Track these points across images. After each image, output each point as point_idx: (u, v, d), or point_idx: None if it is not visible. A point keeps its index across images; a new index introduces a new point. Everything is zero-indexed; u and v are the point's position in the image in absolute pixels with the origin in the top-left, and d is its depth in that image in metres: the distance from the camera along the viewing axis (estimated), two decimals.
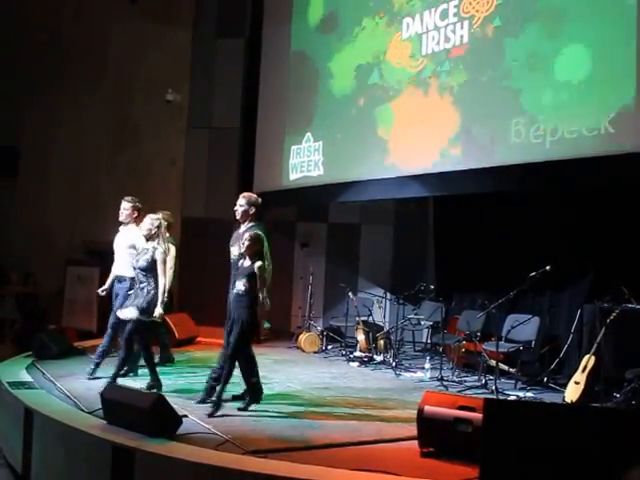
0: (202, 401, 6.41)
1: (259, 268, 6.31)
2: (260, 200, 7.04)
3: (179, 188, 13.22)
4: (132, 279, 7.33)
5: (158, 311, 6.95)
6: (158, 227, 7.14)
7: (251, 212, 6.88)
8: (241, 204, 6.88)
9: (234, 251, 6.80)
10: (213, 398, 6.29)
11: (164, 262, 7.02)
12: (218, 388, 6.27)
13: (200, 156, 13.27)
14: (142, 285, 6.98)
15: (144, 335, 7.09)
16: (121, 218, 7.87)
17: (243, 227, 6.86)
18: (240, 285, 6.36)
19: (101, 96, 13.33)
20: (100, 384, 6.58)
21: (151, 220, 7.14)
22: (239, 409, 6.32)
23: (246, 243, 6.35)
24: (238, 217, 6.91)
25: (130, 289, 7.35)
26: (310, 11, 11.51)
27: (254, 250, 6.36)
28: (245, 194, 7.06)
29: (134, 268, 7.16)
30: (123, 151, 13.31)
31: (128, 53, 13.30)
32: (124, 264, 7.65)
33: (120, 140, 13.36)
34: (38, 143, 13.46)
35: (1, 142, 13.37)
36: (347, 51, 10.58)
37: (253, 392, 6.53)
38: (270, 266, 6.64)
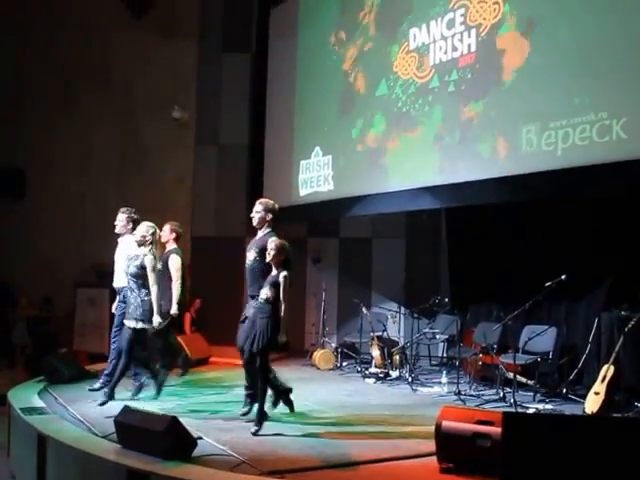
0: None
1: (285, 278, 6.21)
2: (277, 206, 6.97)
3: (188, 206, 13.18)
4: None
5: (157, 320, 6.91)
6: (152, 234, 7.05)
7: (268, 218, 6.83)
8: (257, 210, 6.84)
9: (249, 256, 6.76)
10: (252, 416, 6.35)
11: (154, 270, 6.92)
12: (257, 405, 6.29)
13: (209, 173, 13.25)
14: (133, 294, 6.93)
15: (136, 345, 7.12)
16: (116, 230, 7.86)
17: (260, 233, 6.82)
18: (263, 294, 6.24)
19: (107, 115, 13.36)
20: (113, 408, 6.48)
21: (146, 227, 7.10)
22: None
23: (272, 252, 6.23)
24: (255, 223, 6.87)
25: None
26: (317, 24, 11.48)
27: (280, 259, 6.25)
28: (262, 200, 7.02)
29: (126, 274, 7.11)
30: (131, 170, 13.30)
31: (133, 70, 13.34)
32: (123, 276, 7.60)
33: (127, 159, 13.36)
34: (45, 165, 13.48)
35: (8, 164, 13.42)
36: (355, 63, 10.52)
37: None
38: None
